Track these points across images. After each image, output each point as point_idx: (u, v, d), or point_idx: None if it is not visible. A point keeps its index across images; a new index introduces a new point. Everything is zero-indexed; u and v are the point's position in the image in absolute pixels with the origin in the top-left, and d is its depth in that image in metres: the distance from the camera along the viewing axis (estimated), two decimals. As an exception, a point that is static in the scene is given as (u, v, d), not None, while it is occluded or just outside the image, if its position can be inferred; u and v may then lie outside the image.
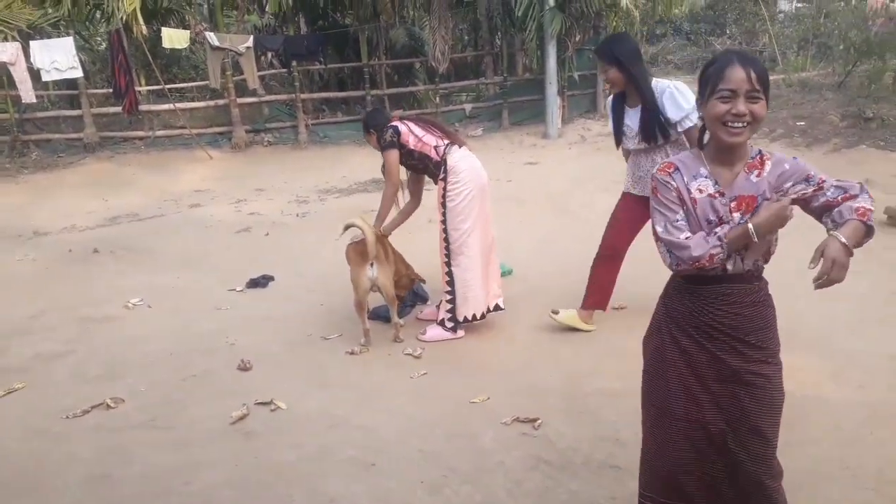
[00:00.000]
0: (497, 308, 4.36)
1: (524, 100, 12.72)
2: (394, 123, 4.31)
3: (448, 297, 4.23)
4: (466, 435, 3.15)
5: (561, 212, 7.00)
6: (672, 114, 3.80)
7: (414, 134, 4.24)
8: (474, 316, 4.26)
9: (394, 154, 4.23)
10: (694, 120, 3.79)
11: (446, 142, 4.23)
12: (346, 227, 4.13)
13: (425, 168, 4.31)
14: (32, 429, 3.40)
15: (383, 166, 4.34)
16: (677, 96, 3.80)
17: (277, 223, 7.54)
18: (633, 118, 3.93)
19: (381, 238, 4.29)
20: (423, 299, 4.90)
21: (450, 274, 4.20)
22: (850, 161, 8.60)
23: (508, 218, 7.02)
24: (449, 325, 4.25)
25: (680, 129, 3.85)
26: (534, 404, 3.37)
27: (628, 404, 3.36)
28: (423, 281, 4.83)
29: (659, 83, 3.87)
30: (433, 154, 4.19)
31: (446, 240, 4.17)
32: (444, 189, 4.14)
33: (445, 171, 4.14)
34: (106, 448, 3.18)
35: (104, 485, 2.90)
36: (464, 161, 4.17)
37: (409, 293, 4.79)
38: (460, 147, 4.25)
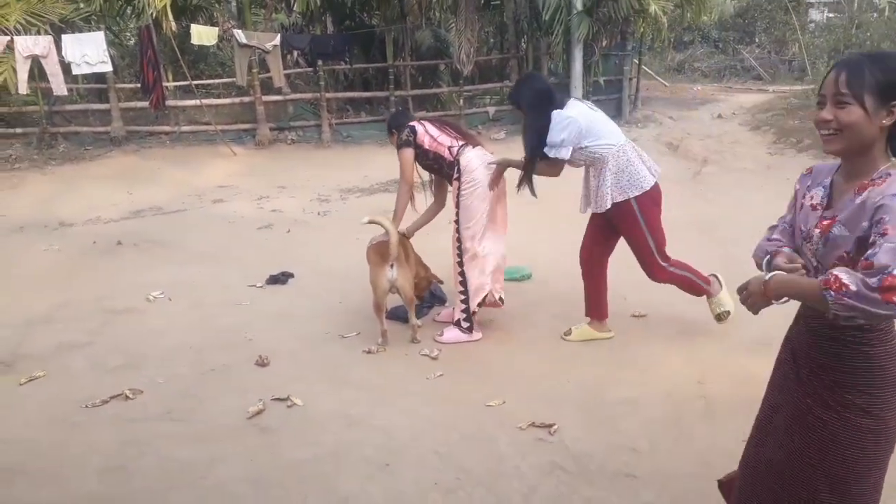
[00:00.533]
0: (501, 301, 4.37)
1: (548, 104, 12.67)
2: (411, 123, 4.32)
3: (462, 297, 4.23)
4: (482, 438, 3.14)
5: (582, 216, 6.96)
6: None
7: (430, 134, 4.25)
8: (482, 300, 4.27)
9: (408, 153, 4.24)
10: (553, 153, 3.81)
11: (461, 142, 4.22)
12: (370, 222, 4.15)
13: (440, 168, 4.31)
14: (52, 417, 3.44)
15: None
16: (552, 127, 3.80)
17: (299, 221, 7.58)
18: None
19: (403, 239, 4.29)
20: (441, 301, 4.89)
21: (462, 274, 4.20)
22: (879, 174, 8.46)
23: (528, 222, 6.98)
24: (465, 325, 4.24)
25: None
26: (550, 410, 3.34)
27: (645, 413, 3.34)
28: (441, 282, 4.83)
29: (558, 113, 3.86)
30: (447, 154, 4.19)
31: (459, 239, 4.18)
32: (459, 189, 4.15)
33: (459, 171, 4.14)
34: (123, 439, 3.21)
35: (121, 475, 2.93)
36: (477, 160, 4.18)
37: (427, 294, 4.78)
38: (475, 147, 4.25)
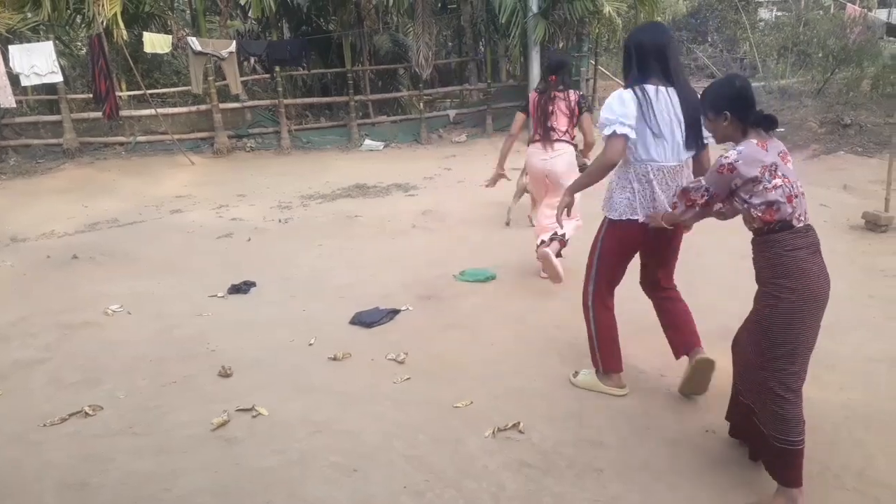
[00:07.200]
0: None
1: (508, 106, 12.76)
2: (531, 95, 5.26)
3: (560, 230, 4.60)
4: (450, 440, 3.14)
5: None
6: None
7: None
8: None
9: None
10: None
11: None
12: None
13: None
14: (9, 436, 3.34)
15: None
16: None
17: (259, 229, 7.49)
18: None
19: None
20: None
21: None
22: (829, 167, 8.71)
23: (492, 222, 7.03)
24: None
25: None
26: (517, 408, 3.36)
27: (611, 407, 3.38)
28: None
29: None
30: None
31: None
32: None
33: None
34: (83, 455, 3.13)
35: (81, 492, 2.86)
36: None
37: (388, 312, 4.74)
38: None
